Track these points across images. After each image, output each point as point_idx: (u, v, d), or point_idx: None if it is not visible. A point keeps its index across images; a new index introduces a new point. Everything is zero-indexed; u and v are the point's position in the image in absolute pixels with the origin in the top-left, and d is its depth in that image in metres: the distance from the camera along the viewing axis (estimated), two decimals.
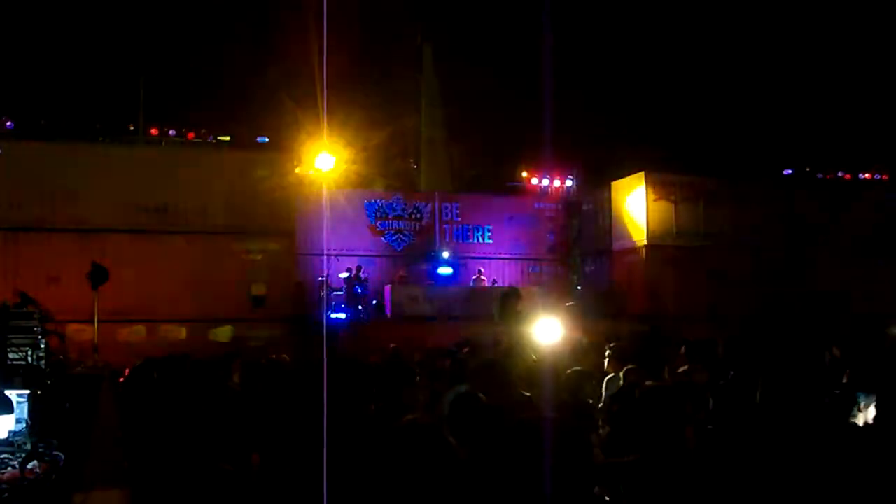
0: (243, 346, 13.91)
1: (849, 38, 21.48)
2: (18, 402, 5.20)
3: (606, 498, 3.52)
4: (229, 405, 5.30)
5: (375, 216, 21.01)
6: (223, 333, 15.75)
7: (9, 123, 17.03)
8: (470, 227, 21.86)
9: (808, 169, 22.60)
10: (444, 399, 3.66)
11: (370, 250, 20.68)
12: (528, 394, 4.52)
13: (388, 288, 18.79)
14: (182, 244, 16.95)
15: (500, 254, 21.93)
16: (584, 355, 7.38)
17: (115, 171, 16.78)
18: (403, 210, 21.28)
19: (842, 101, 21.58)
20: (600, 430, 5.24)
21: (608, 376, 6.44)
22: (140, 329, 16.17)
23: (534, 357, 6.77)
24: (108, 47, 19.18)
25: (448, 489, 2.32)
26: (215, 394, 5.48)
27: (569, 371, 6.57)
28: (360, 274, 18.63)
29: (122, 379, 8.58)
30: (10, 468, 4.53)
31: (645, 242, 20.06)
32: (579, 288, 22.00)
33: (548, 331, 6.88)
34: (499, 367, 4.51)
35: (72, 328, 13.86)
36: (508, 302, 8.81)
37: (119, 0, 20.01)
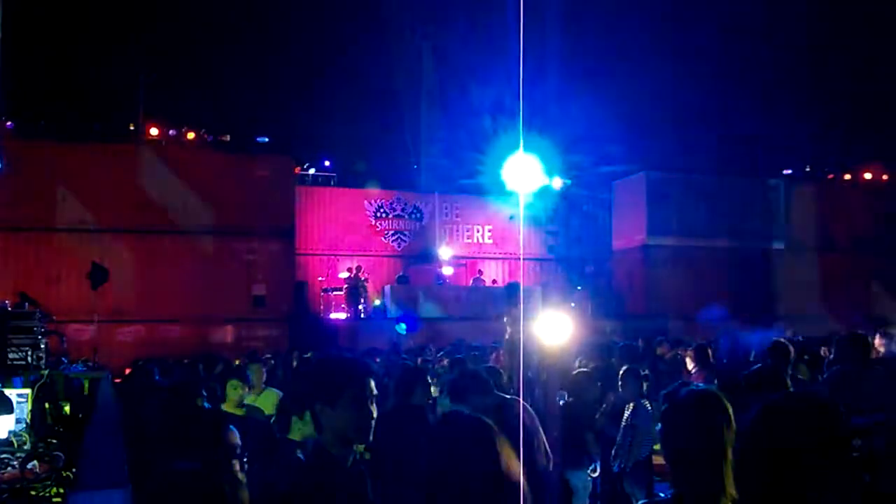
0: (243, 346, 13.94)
1: (849, 36, 21.49)
2: (18, 402, 5.20)
3: None
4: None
5: (375, 216, 21.01)
6: None
7: (9, 123, 17.02)
8: (470, 227, 21.87)
9: (808, 169, 22.60)
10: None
11: (370, 250, 20.69)
12: (507, 395, 4.52)
13: (388, 288, 18.79)
14: (182, 244, 16.96)
15: (500, 254, 21.94)
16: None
17: (115, 171, 16.80)
18: (403, 210, 21.29)
19: (843, 100, 21.59)
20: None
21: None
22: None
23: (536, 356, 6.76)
24: (107, 47, 19.18)
25: None
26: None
27: (574, 372, 6.60)
28: (360, 274, 18.64)
29: (120, 379, 8.59)
30: (10, 468, 4.53)
31: (645, 242, 20.10)
32: (579, 288, 22.00)
33: (555, 329, 5.93)
34: (475, 375, 4.51)
35: (72, 328, 13.88)
36: (511, 296, 8.90)
37: (119, 0, 20.03)
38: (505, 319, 8.90)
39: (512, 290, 9.03)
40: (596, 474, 5.92)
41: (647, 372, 6.44)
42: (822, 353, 7.88)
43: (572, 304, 20.51)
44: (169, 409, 3.68)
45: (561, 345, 6.48)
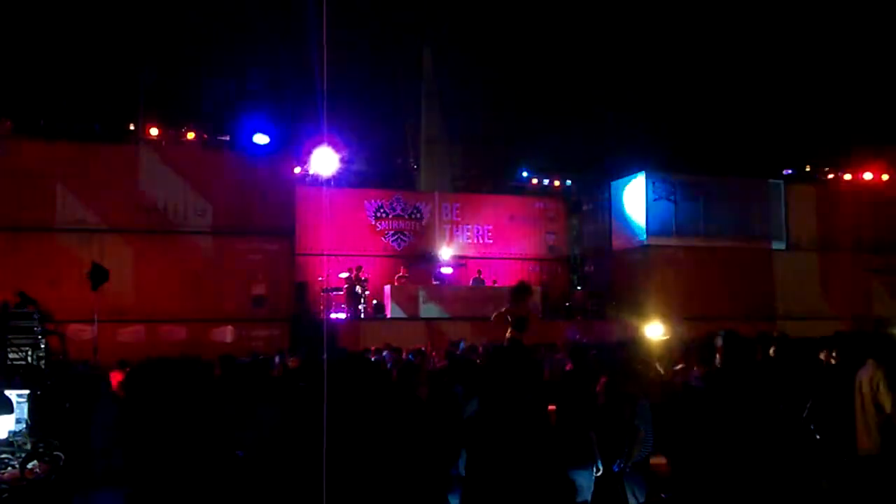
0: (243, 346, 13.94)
1: (849, 36, 21.47)
2: (18, 402, 5.20)
3: None
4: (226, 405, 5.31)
5: (375, 216, 21.00)
6: None
7: (9, 123, 17.00)
8: (470, 227, 21.85)
9: (808, 168, 22.59)
10: None
11: (370, 250, 20.67)
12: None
13: (388, 288, 18.78)
14: (182, 244, 16.95)
15: (500, 254, 21.93)
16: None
17: (115, 171, 16.79)
18: (403, 210, 21.28)
19: (842, 100, 21.56)
20: None
21: None
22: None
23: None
24: (107, 47, 19.15)
25: None
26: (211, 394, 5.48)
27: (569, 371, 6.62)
28: (360, 274, 18.62)
29: (121, 379, 8.58)
30: (10, 468, 4.53)
31: (645, 242, 20.08)
32: (579, 288, 22.02)
33: (655, 331, 11.53)
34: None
35: (72, 328, 13.86)
36: (518, 295, 9.18)
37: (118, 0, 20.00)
38: (508, 318, 8.94)
39: (521, 290, 9.22)
40: (599, 473, 5.92)
41: None
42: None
43: (567, 304, 20.59)
44: None
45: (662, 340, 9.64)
